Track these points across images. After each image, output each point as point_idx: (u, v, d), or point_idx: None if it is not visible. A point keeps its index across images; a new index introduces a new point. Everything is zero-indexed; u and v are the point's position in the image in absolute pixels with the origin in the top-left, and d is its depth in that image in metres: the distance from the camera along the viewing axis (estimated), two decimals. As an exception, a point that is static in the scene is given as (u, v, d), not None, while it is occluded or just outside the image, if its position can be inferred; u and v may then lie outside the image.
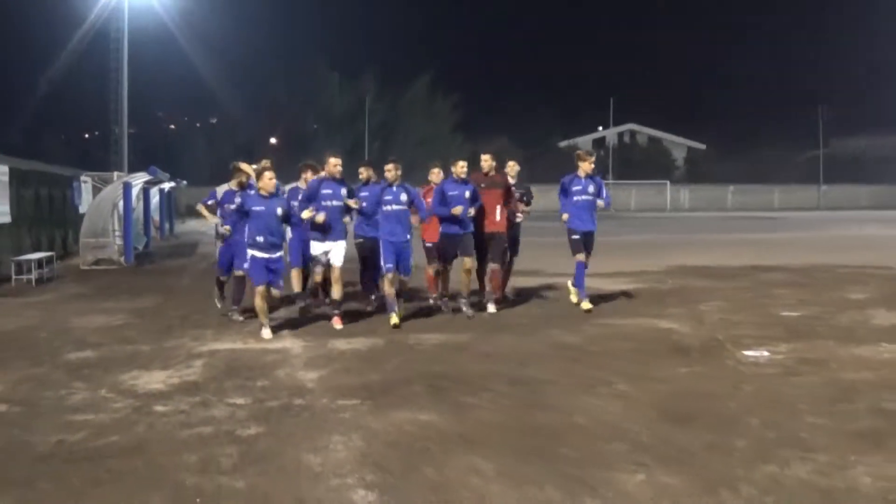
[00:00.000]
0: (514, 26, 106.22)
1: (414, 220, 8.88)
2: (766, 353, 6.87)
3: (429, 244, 9.42)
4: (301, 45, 75.30)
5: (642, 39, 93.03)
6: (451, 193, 8.80)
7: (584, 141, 64.33)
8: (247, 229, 8.01)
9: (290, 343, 7.60)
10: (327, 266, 8.56)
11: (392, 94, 60.12)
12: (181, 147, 57.70)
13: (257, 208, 7.92)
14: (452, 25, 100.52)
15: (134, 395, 5.74)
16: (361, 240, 9.21)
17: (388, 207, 8.44)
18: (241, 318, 8.79)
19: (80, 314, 9.57)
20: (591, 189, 9.20)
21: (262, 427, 4.91)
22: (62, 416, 5.19)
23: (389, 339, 7.71)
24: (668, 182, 58.75)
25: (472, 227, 8.95)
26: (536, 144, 57.90)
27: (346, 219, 8.65)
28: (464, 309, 8.91)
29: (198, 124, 67.67)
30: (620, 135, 68.72)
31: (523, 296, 10.43)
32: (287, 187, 9.39)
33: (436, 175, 9.52)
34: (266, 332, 7.85)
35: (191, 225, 31.58)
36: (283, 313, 8.94)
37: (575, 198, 9.20)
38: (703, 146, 67.83)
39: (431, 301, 9.47)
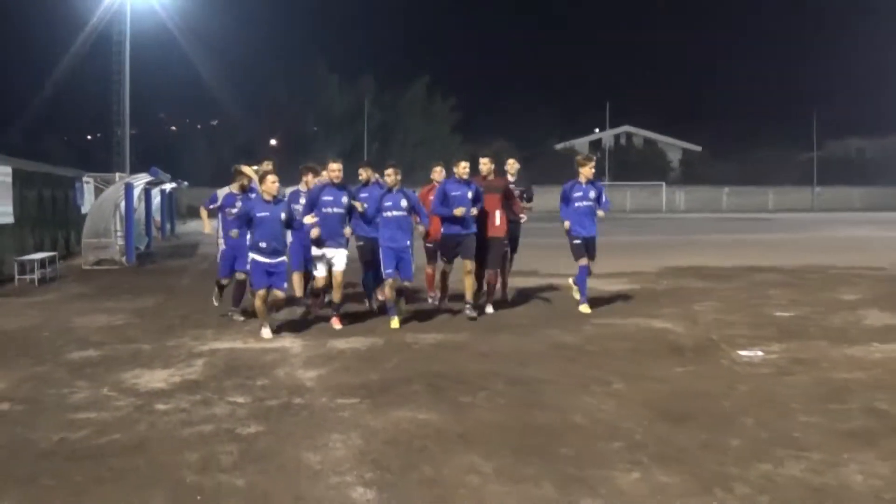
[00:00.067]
0: (513, 28, 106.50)
1: (420, 229, 8.85)
2: (759, 353, 6.92)
3: (429, 244, 9.43)
4: (301, 46, 75.30)
5: (639, 42, 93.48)
6: (453, 194, 8.65)
7: (581, 143, 64.44)
8: (250, 234, 7.98)
9: (290, 342, 7.64)
10: (329, 268, 8.51)
11: (391, 96, 60.31)
12: (182, 148, 57.89)
13: (261, 214, 7.85)
14: (451, 27, 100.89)
15: (135, 393, 5.79)
16: (362, 242, 9.17)
17: (389, 213, 8.34)
18: (241, 318, 8.84)
19: (82, 314, 9.62)
20: (591, 195, 9.18)
21: (262, 425, 4.96)
22: (64, 415, 5.24)
23: (388, 338, 7.74)
24: (663, 184, 58.90)
25: (474, 228, 8.74)
26: (534, 146, 58.03)
27: (347, 230, 8.49)
28: (467, 312, 8.73)
29: (199, 126, 67.82)
30: (616, 137, 68.81)
31: (522, 296, 10.47)
32: (288, 190, 9.27)
33: (438, 174, 9.46)
34: (266, 332, 7.89)
35: (192, 226, 31.58)
36: (283, 314, 8.97)
37: (576, 204, 9.17)
38: (698, 148, 67.88)
39: (430, 300, 9.50)
